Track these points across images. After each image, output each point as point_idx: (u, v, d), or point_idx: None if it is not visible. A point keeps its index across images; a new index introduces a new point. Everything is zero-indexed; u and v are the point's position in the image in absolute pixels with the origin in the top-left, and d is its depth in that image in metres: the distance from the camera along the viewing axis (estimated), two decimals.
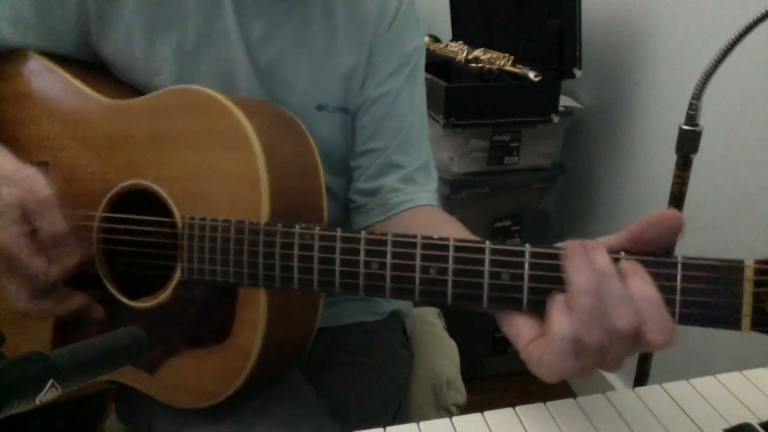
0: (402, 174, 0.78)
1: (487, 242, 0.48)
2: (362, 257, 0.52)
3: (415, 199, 0.77)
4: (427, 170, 0.81)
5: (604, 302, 0.42)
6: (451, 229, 0.71)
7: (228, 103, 0.61)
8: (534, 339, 0.46)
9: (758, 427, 0.52)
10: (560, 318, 0.43)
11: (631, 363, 1.13)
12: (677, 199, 0.97)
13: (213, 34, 0.71)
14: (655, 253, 0.44)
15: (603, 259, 0.43)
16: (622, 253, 0.45)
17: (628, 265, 0.43)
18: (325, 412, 0.71)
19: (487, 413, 0.54)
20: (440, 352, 0.94)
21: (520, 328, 0.47)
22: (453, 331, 1.00)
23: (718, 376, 0.60)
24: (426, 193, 0.78)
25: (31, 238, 0.58)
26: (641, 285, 0.42)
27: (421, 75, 0.83)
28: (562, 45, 1.45)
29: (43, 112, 0.71)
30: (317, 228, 0.55)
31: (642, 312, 0.41)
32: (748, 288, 0.42)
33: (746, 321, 0.42)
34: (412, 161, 0.79)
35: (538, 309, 0.46)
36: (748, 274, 0.42)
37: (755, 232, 1.19)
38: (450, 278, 0.49)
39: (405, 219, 0.76)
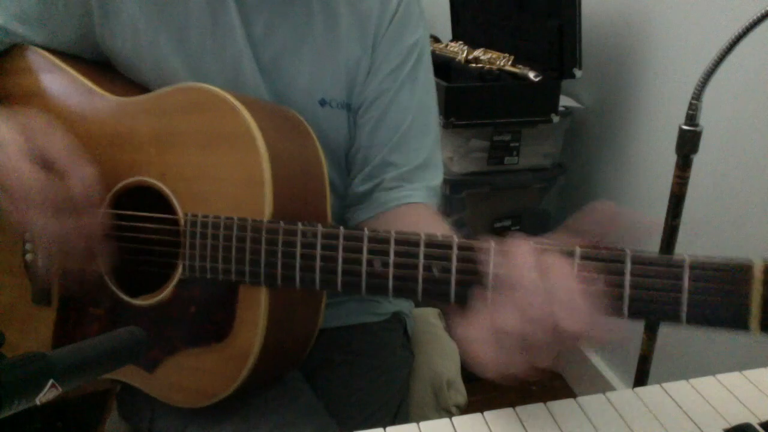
0: (397, 173, 0.76)
1: (492, 242, 0.48)
2: (365, 256, 0.52)
3: (406, 196, 0.75)
4: (425, 169, 0.79)
5: (518, 292, 0.43)
6: (437, 230, 0.71)
7: (234, 101, 0.61)
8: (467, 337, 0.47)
9: (758, 427, 0.52)
10: (480, 312, 0.45)
11: (631, 363, 1.13)
12: (677, 199, 0.97)
13: (218, 31, 0.71)
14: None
15: (520, 255, 0.45)
16: (580, 249, 0.45)
17: (551, 258, 0.44)
18: (324, 413, 0.71)
19: (487, 413, 0.54)
20: (441, 352, 0.94)
21: (462, 324, 0.48)
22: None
23: (718, 376, 0.60)
24: (419, 191, 0.77)
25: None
26: (558, 276, 0.43)
27: (425, 69, 0.81)
28: (562, 45, 1.45)
29: (49, 109, 0.71)
30: (320, 226, 0.54)
31: (555, 302, 0.42)
32: (757, 288, 0.41)
33: (755, 322, 0.41)
34: (409, 161, 0.77)
35: None
36: (757, 274, 0.41)
37: (755, 232, 1.19)
38: (453, 277, 0.49)
39: (394, 216, 0.75)
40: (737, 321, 0.42)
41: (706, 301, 0.42)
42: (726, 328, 0.42)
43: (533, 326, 0.43)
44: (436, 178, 0.80)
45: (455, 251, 0.49)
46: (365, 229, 0.53)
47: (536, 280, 0.43)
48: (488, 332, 0.44)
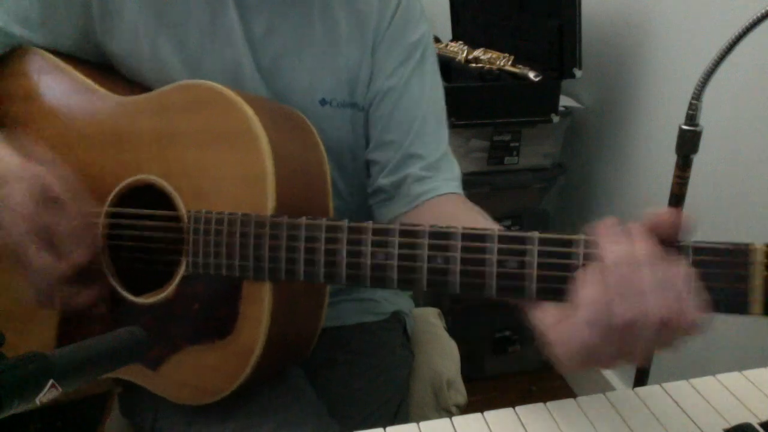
0: (424, 163, 0.76)
1: (495, 229, 0.48)
2: (369, 248, 0.52)
3: (439, 187, 0.75)
4: (447, 159, 0.79)
5: (640, 286, 0.41)
6: (477, 219, 0.70)
7: (237, 98, 0.61)
8: (560, 321, 0.45)
9: (758, 427, 0.52)
10: (591, 287, 0.42)
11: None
12: (677, 199, 0.97)
13: (217, 32, 0.71)
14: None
15: (643, 244, 0.42)
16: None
17: (661, 253, 0.42)
18: (325, 413, 0.71)
19: (487, 413, 0.55)
20: (441, 352, 0.94)
21: (547, 311, 0.47)
22: (453, 331, 1.00)
23: (718, 376, 0.60)
24: (450, 181, 0.77)
25: (40, 234, 0.59)
26: (670, 270, 0.41)
27: (431, 64, 0.81)
28: (562, 45, 1.45)
29: (52, 109, 0.71)
30: (324, 219, 0.55)
31: (677, 300, 0.40)
32: (759, 271, 0.41)
33: (756, 306, 0.41)
34: (432, 152, 0.77)
35: (546, 298, 0.46)
36: (759, 257, 0.41)
37: (755, 232, 1.19)
38: (457, 267, 0.49)
39: (431, 208, 0.75)
40: (738, 304, 0.42)
41: (707, 286, 0.42)
42: (727, 312, 0.42)
43: (641, 321, 0.41)
44: (457, 168, 0.81)
45: (460, 241, 0.49)
46: (370, 222, 0.53)
47: (666, 276, 0.41)
48: (579, 325, 0.42)
